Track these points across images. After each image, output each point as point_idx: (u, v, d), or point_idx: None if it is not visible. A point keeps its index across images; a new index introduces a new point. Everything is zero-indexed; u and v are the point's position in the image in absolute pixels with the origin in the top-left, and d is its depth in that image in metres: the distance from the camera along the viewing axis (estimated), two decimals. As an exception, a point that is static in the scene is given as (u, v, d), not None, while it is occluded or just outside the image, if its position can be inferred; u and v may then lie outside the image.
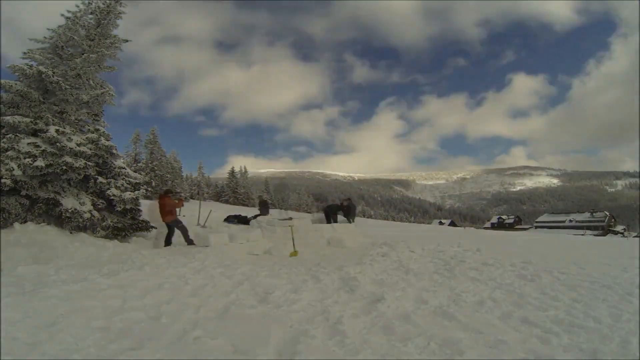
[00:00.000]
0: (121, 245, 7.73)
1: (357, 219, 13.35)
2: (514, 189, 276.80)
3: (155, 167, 32.13)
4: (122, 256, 6.58)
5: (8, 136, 7.55)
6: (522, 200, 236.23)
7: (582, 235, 35.30)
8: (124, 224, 8.60)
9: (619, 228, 60.04)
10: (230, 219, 12.79)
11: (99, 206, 8.41)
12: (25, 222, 7.37)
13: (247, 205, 41.34)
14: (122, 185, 8.81)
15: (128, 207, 8.79)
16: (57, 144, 7.76)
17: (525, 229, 60.51)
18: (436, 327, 3.45)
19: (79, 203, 8.05)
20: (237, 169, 47.82)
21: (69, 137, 8.03)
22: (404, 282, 5.16)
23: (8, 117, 7.74)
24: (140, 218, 9.25)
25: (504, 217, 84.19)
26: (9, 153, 7.35)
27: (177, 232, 8.66)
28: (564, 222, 63.64)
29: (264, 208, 12.73)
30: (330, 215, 11.01)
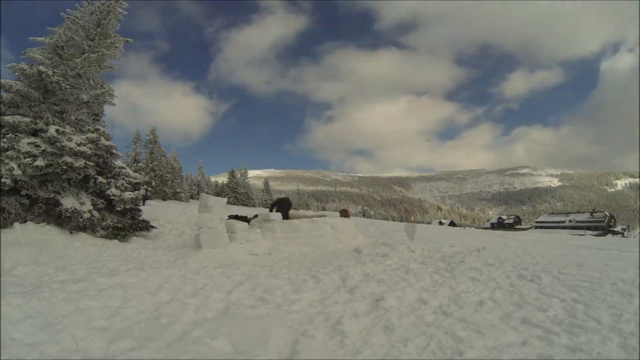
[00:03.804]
0: (121, 245, 7.73)
1: (356, 219, 13.22)
2: (514, 189, 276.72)
3: (155, 167, 32.09)
4: (122, 256, 6.58)
5: (8, 136, 7.55)
6: (522, 200, 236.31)
7: (582, 235, 35.32)
8: (124, 224, 8.60)
9: (619, 228, 60.04)
10: (230, 219, 12.78)
11: (99, 206, 8.42)
12: (25, 221, 7.38)
13: (247, 205, 41.34)
14: (122, 185, 8.82)
15: (128, 207, 8.80)
16: (57, 143, 7.76)
17: (525, 229, 60.48)
18: (436, 327, 3.45)
19: (79, 203, 8.05)
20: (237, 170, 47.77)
21: (69, 137, 8.04)
22: (404, 282, 5.16)
23: (8, 117, 7.74)
24: (140, 218, 9.25)
25: (504, 217, 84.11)
26: (9, 153, 7.35)
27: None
28: (564, 222, 63.57)
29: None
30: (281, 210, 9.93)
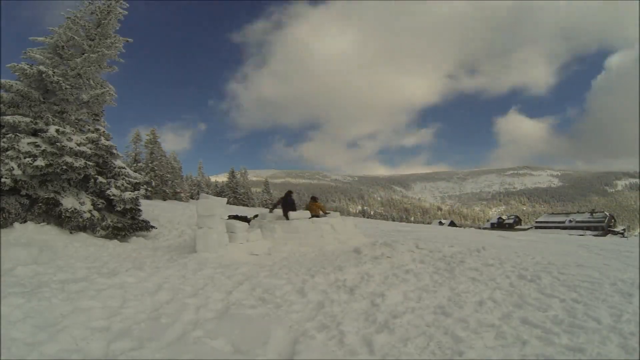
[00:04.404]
0: (121, 245, 7.73)
1: (356, 218, 13.18)
2: (514, 189, 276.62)
3: (155, 167, 32.08)
4: (122, 256, 6.58)
5: (8, 136, 7.55)
6: (522, 200, 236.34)
7: (582, 235, 35.34)
8: (123, 224, 8.60)
9: (619, 228, 60.03)
10: (230, 219, 12.78)
11: (99, 206, 8.42)
12: (25, 221, 7.38)
13: (247, 205, 41.32)
14: (122, 185, 8.82)
15: (128, 206, 8.80)
16: (57, 143, 7.76)
17: (525, 229, 60.48)
18: (436, 327, 3.45)
19: (79, 203, 8.05)
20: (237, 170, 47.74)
21: (69, 137, 8.04)
22: (403, 282, 5.15)
23: (8, 117, 7.74)
24: (140, 218, 9.25)
25: (504, 217, 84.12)
26: (9, 153, 7.35)
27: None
28: (563, 222, 63.54)
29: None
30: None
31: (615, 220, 66.72)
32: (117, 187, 8.66)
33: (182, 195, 34.64)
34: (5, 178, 7.02)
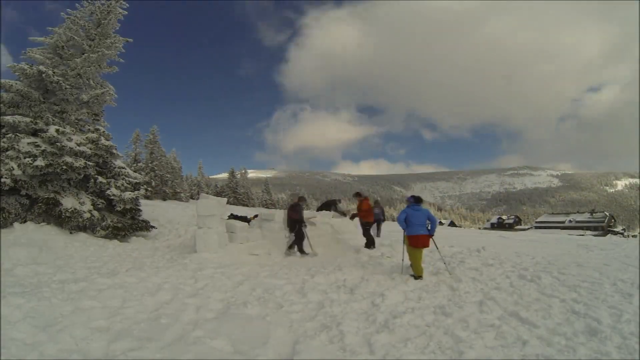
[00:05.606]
0: (121, 245, 7.73)
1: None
2: (514, 189, 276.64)
3: (155, 167, 32.04)
4: (122, 256, 6.58)
5: (8, 136, 7.56)
6: (522, 200, 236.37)
7: (582, 235, 35.35)
8: (123, 224, 8.60)
9: (619, 228, 60.08)
10: (230, 219, 12.77)
11: (99, 206, 8.42)
12: (25, 221, 7.38)
13: (247, 205, 41.32)
14: (122, 185, 8.82)
15: (128, 206, 8.80)
16: (57, 143, 7.76)
17: (525, 229, 60.47)
18: (436, 327, 3.45)
19: (79, 203, 8.05)
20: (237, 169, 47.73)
21: (69, 137, 8.04)
22: (404, 282, 5.16)
23: (8, 117, 7.74)
24: (140, 218, 9.25)
25: (504, 217, 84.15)
26: (9, 153, 7.35)
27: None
28: (563, 222, 63.53)
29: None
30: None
31: (615, 220, 66.74)
32: (117, 187, 8.66)
33: (182, 195, 34.61)
34: (5, 178, 7.02)
